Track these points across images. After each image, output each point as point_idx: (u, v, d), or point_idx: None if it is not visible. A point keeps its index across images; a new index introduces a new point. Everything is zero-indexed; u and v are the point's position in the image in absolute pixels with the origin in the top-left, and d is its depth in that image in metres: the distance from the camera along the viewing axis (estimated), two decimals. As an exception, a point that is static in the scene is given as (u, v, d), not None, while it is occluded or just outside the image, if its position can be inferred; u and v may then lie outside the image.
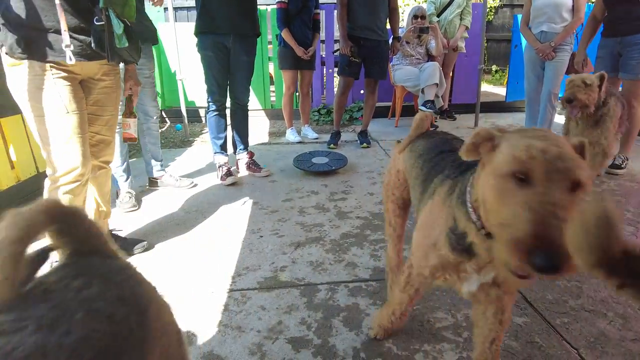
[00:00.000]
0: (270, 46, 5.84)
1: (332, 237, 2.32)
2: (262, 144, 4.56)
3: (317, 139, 4.60)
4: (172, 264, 2.09)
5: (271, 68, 5.76)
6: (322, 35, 5.88)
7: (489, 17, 8.55)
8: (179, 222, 2.58)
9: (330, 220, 2.53)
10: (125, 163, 2.87)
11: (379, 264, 2.02)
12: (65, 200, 1.80)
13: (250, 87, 5.58)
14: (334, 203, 2.81)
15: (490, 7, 8.50)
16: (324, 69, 5.74)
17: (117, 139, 2.77)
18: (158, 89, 5.54)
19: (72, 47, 1.69)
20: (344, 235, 2.34)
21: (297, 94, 4.91)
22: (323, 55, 5.68)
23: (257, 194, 3.01)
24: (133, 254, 2.19)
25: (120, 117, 2.32)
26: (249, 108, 5.66)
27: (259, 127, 5.40)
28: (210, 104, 3.15)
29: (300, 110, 4.71)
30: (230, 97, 3.23)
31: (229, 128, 3.43)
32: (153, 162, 3.11)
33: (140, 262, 2.11)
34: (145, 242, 2.27)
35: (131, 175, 2.92)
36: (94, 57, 1.83)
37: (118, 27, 1.84)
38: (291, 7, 4.06)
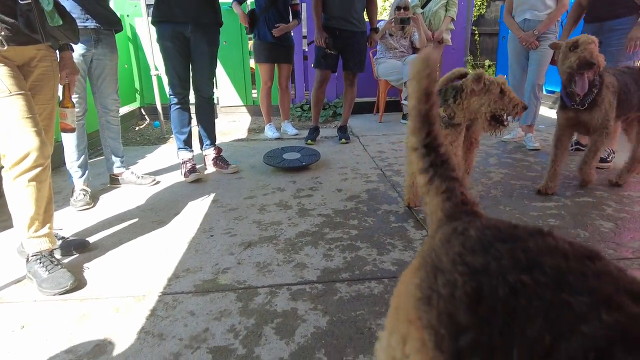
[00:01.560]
0: (251, 41, 5.69)
1: (288, 235, 2.16)
2: (239, 140, 4.42)
3: (296, 135, 4.45)
4: (110, 265, 1.94)
5: (252, 63, 5.60)
6: (304, 29, 5.74)
7: (481, 10, 8.37)
8: (131, 221, 2.43)
9: (290, 218, 2.38)
10: (82, 158, 2.72)
11: (330, 265, 1.86)
12: (30, 189, 1.68)
13: (231, 83, 5.54)
14: (297, 200, 2.66)
15: (482, 0, 8.31)
16: (307, 64, 5.58)
17: (75, 132, 2.63)
18: (137, 85, 5.41)
19: (2, 32, 1.57)
20: (300, 234, 2.18)
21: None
22: (306, 50, 5.52)
23: (219, 191, 2.86)
24: (72, 255, 2.04)
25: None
26: (229, 104, 5.56)
27: (239, 123, 5.25)
28: (172, 97, 3.00)
29: (280, 106, 4.56)
30: (194, 90, 3.07)
31: (196, 123, 3.28)
32: (113, 157, 2.97)
33: (77, 262, 1.96)
34: (87, 242, 2.13)
35: (88, 171, 2.77)
36: (29, 42, 1.70)
37: (47, 4, 1.70)
38: None
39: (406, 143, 2.41)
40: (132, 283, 1.78)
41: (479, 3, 8.25)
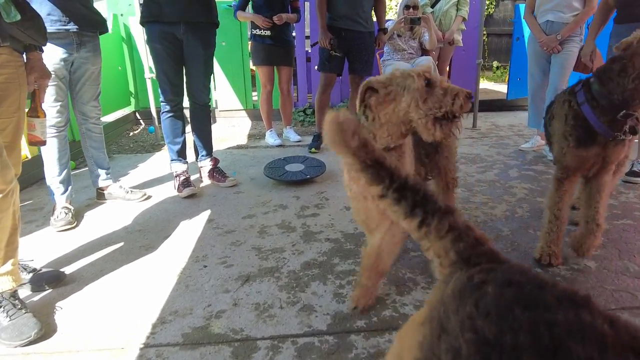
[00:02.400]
0: (251, 42, 5.42)
1: (292, 267, 1.89)
2: (239, 147, 4.14)
3: (299, 141, 4.17)
4: (87, 304, 1.67)
5: (253, 65, 5.33)
6: (307, 29, 5.46)
7: (489, 10, 8.08)
8: (115, 246, 2.16)
9: (294, 244, 2.11)
10: (64, 172, 2.45)
11: (342, 307, 1.59)
12: None
13: (230, 86, 5.27)
14: (302, 220, 2.38)
15: (491, 0, 8.03)
16: (310, 65, 5.30)
17: (55, 144, 2.37)
18: (131, 88, 5.14)
19: None
20: (306, 264, 1.91)
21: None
22: (309, 51, 5.25)
23: (215, 209, 2.59)
24: (44, 290, 1.78)
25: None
26: (228, 108, 5.29)
27: (238, 128, 4.98)
28: (163, 104, 2.73)
29: (281, 111, 4.28)
30: (188, 96, 2.80)
31: (191, 132, 3.01)
32: (98, 170, 2.70)
33: (49, 300, 1.69)
34: (63, 274, 1.86)
35: (71, 187, 2.50)
36: (-14, 45, 1.44)
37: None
38: None
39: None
40: (110, 329, 1.51)
41: (487, 3, 7.96)
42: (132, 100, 5.19)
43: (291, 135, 4.24)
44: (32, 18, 1.52)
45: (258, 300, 1.65)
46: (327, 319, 1.52)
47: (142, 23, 2.59)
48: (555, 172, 1.83)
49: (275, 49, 3.82)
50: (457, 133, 1.30)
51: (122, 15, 4.95)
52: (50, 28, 2.11)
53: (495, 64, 8.38)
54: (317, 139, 3.93)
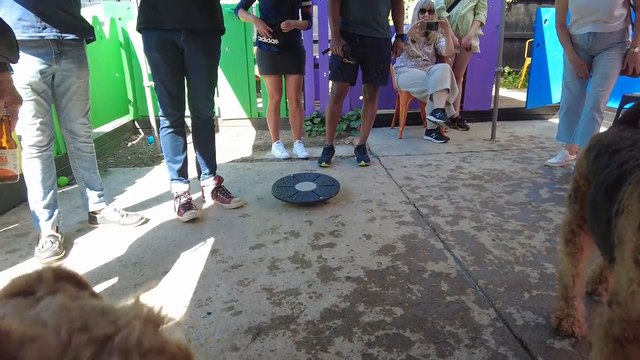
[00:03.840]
0: (256, 47, 5.17)
1: (309, 315, 1.62)
2: (244, 159, 3.88)
3: (307, 158, 3.86)
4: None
5: (257, 71, 5.09)
6: (315, 34, 5.21)
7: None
8: (107, 283, 1.90)
9: (310, 284, 1.84)
10: (49, 196, 2.19)
11: (375, 376, 1.32)
12: None
13: (234, 93, 5.01)
14: (317, 252, 2.12)
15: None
16: (318, 72, 5.04)
17: (38, 165, 2.12)
18: (129, 96, 4.88)
19: None
20: (326, 313, 1.64)
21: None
22: (316, 57, 4.99)
23: (219, 236, 2.32)
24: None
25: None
26: (231, 117, 5.04)
27: (243, 138, 4.72)
28: (163, 119, 2.47)
29: (290, 123, 4.00)
30: (190, 110, 2.55)
31: (193, 149, 2.74)
32: (89, 192, 2.44)
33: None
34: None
35: (58, 211, 2.24)
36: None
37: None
38: None
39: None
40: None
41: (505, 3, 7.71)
42: (131, 108, 4.93)
43: (299, 151, 3.93)
44: (1, 32, 1.26)
45: (273, 363, 1.39)
46: (358, 393, 1.26)
47: (139, 29, 2.34)
48: (608, 322, 0.93)
49: (282, 57, 3.56)
50: None
51: (120, 19, 4.70)
52: (21, 35, 1.85)
53: (507, 69, 8.12)
54: (328, 152, 3.68)
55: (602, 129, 4.00)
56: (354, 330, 1.54)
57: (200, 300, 1.75)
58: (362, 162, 3.58)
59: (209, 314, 1.65)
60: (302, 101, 5.04)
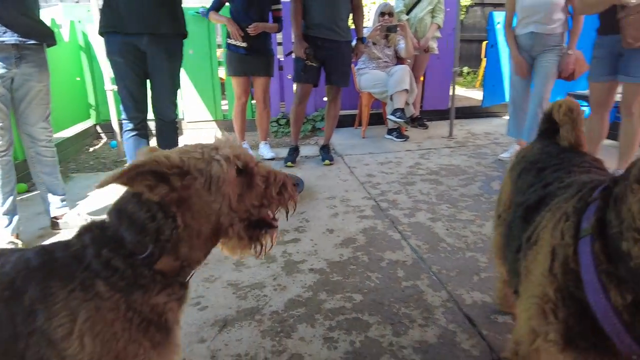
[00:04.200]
0: (220, 49, 5.20)
1: (274, 307, 1.70)
2: (209, 162, 3.90)
3: (273, 158, 3.93)
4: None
5: (222, 73, 5.11)
6: (279, 37, 5.29)
7: (460, 16, 8.15)
8: (72, 286, 1.91)
9: (275, 277, 1.92)
10: (8, 202, 2.17)
11: (335, 356, 1.42)
12: None
13: (198, 95, 5.02)
14: (282, 248, 2.20)
15: (461, 6, 8.10)
16: (282, 74, 5.13)
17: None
18: (90, 100, 4.80)
19: None
20: (290, 303, 1.72)
21: (254, 102, 4.30)
22: (281, 59, 5.07)
23: (186, 237, 2.36)
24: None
25: None
26: (196, 119, 5.04)
27: (208, 140, 4.72)
28: (126, 122, 2.49)
29: (257, 124, 4.05)
30: (153, 113, 2.57)
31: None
32: (50, 197, 2.42)
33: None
34: None
35: (17, 218, 2.22)
36: None
37: None
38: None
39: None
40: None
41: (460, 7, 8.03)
42: (93, 112, 4.85)
43: (265, 151, 4.00)
44: None
45: (239, 350, 1.46)
46: (319, 373, 1.35)
47: (101, 33, 2.35)
48: None
49: (251, 59, 3.61)
50: (269, 245, 0.91)
51: (79, 22, 4.62)
52: None
53: (465, 69, 8.45)
54: (293, 152, 3.76)
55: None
56: (316, 317, 1.63)
57: (168, 297, 1.79)
58: (326, 161, 3.69)
59: (176, 309, 1.70)
60: (269, 103, 5.10)
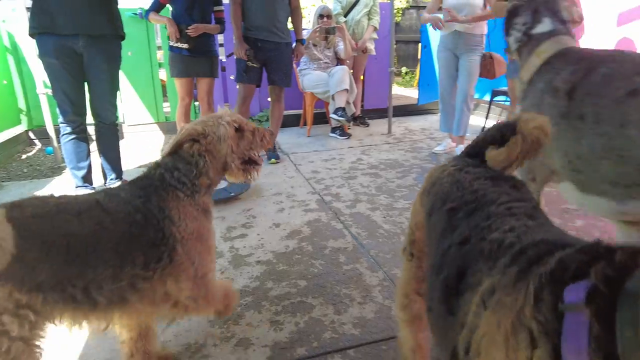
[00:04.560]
0: (160, 51, 5.13)
1: (222, 297, 1.78)
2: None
3: (218, 157, 3.98)
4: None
5: (163, 75, 5.04)
6: (221, 37, 5.30)
7: (397, 18, 8.53)
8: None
9: (223, 271, 1.99)
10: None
11: (281, 337, 1.52)
12: None
13: (139, 98, 4.91)
14: (229, 243, 2.27)
15: (398, 8, 8.48)
16: (225, 75, 5.15)
17: None
18: (21, 104, 4.55)
19: None
20: (238, 293, 1.81)
21: (197, 103, 4.29)
22: (223, 60, 5.09)
23: (132, 238, 2.36)
24: None
25: None
26: (137, 122, 4.94)
27: (151, 144, 4.66)
28: (64, 125, 2.45)
29: None
30: (92, 116, 2.54)
31: (98, 154, 2.73)
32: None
33: None
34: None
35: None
36: None
37: None
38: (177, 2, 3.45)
39: None
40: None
41: (394, 11, 8.39)
42: (24, 118, 4.60)
43: None
44: None
45: (188, 340, 1.52)
46: (266, 351, 1.45)
47: (32, 35, 2.29)
48: None
49: (194, 60, 3.62)
50: (256, 176, 1.47)
51: (4, 21, 4.37)
52: None
53: (404, 69, 8.85)
54: (239, 152, 3.82)
55: (475, 118, 4.61)
56: (263, 303, 1.73)
57: (115, 296, 1.81)
58: (273, 160, 3.78)
59: (125, 307, 1.73)
60: (213, 103, 5.10)
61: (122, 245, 1.09)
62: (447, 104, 3.68)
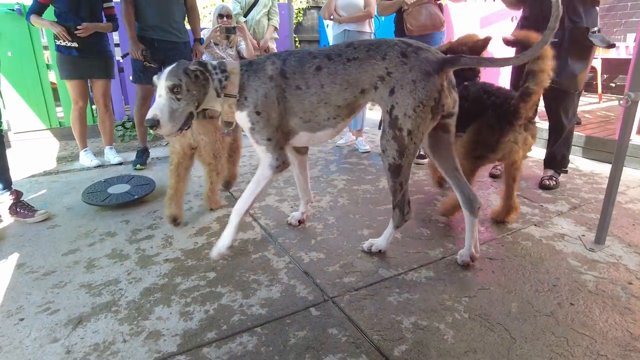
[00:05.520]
0: (47, 52, 4.75)
1: (130, 297, 1.79)
2: (47, 173, 3.60)
3: (121, 163, 3.82)
4: None
5: (54, 77, 4.68)
6: (116, 37, 5.06)
7: (298, 18, 8.76)
8: None
9: (129, 272, 1.98)
10: None
11: (191, 325, 1.59)
12: None
13: (26, 103, 4.51)
14: (135, 246, 2.25)
15: (298, 8, 8.71)
16: (124, 76, 4.93)
17: None
18: None
19: None
20: (146, 291, 1.83)
21: (94, 107, 4.06)
22: (120, 61, 4.86)
23: (25, 250, 2.23)
24: None
25: None
26: (25, 129, 4.54)
27: (43, 152, 4.31)
28: None
29: (100, 129, 3.86)
30: (-32, 123, 2.33)
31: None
32: None
33: None
34: None
35: None
36: None
37: None
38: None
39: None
40: None
41: (295, 12, 8.61)
42: None
43: (111, 157, 3.86)
44: None
45: (96, 340, 1.52)
46: (177, 340, 1.51)
47: None
48: None
49: (86, 60, 3.43)
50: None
51: None
52: None
53: (309, 67, 9.14)
54: (142, 154, 3.71)
55: (371, 113, 4.94)
56: (173, 297, 1.77)
57: (10, 310, 1.72)
58: (139, 166, 3.68)
59: (22, 319, 1.66)
60: (111, 106, 4.86)
61: None
62: None
